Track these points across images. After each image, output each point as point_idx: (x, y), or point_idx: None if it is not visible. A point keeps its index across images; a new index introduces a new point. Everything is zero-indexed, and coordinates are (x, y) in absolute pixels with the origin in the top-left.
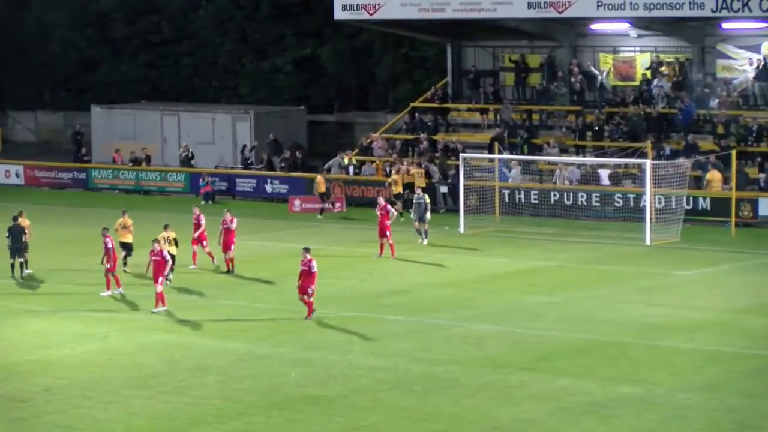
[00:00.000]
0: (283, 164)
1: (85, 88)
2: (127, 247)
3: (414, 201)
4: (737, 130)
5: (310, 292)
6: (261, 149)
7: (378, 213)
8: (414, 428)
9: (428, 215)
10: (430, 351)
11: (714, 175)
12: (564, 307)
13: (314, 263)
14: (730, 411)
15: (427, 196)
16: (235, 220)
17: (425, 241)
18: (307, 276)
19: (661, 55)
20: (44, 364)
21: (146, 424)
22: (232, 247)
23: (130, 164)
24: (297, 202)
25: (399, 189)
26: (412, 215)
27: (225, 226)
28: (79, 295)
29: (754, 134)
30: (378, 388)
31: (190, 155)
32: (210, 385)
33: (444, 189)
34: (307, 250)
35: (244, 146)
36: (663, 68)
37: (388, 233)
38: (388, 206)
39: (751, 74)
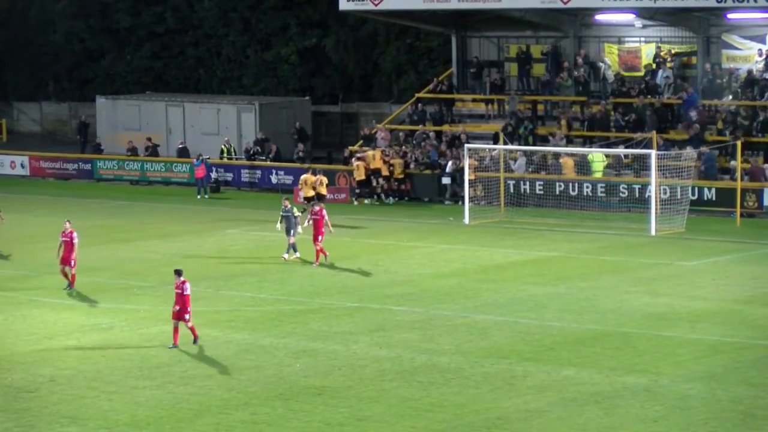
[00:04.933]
0: (301, 154)
1: (89, 78)
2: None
3: (281, 213)
4: (743, 121)
5: (187, 318)
6: (266, 140)
7: (312, 218)
8: (418, 418)
9: (299, 229)
10: (435, 341)
11: (567, 162)
12: (568, 297)
13: (187, 285)
14: (733, 401)
15: (295, 209)
16: (75, 233)
17: (296, 255)
18: (180, 299)
19: (666, 46)
20: (49, 355)
21: (151, 415)
22: (72, 261)
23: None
24: (302, 193)
25: (362, 176)
26: (277, 226)
27: (64, 239)
28: (83, 286)
29: (759, 124)
30: (382, 378)
31: (232, 151)
32: (214, 375)
33: (447, 180)
34: (179, 273)
35: (247, 150)
36: (665, 56)
37: (320, 238)
38: (324, 212)
39: (760, 65)
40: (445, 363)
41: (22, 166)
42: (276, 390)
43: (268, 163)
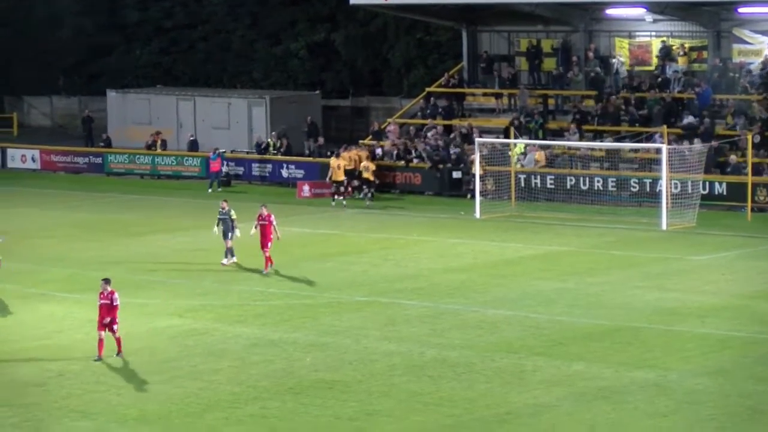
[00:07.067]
0: (314, 149)
1: (98, 73)
2: None
3: (219, 216)
4: (754, 115)
5: (115, 328)
6: (279, 134)
7: (258, 223)
8: (428, 413)
9: (237, 233)
10: (445, 336)
11: (539, 156)
12: (578, 292)
13: (116, 296)
14: (742, 396)
15: (233, 211)
16: None
17: (233, 260)
18: (108, 310)
19: (677, 40)
20: (58, 349)
21: (160, 409)
22: None
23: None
24: (306, 188)
25: (340, 177)
26: (214, 230)
27: None
28: (92, 280)
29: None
30: (392, 372)
31: (277, 144)
32: (224, 370)
33: (457, 174)
34: (107, 281)
35: (257, 144)
36: (676, 50)
37: (269, 245)
38: (272, 217)
39: None
40: (455, 357)
41: (33, 159)
42: (286, 384)
43: (279, 157)
